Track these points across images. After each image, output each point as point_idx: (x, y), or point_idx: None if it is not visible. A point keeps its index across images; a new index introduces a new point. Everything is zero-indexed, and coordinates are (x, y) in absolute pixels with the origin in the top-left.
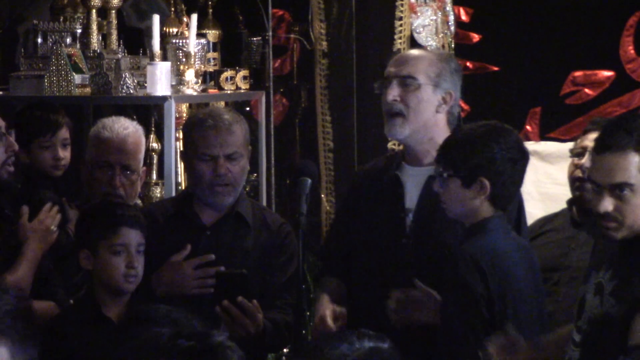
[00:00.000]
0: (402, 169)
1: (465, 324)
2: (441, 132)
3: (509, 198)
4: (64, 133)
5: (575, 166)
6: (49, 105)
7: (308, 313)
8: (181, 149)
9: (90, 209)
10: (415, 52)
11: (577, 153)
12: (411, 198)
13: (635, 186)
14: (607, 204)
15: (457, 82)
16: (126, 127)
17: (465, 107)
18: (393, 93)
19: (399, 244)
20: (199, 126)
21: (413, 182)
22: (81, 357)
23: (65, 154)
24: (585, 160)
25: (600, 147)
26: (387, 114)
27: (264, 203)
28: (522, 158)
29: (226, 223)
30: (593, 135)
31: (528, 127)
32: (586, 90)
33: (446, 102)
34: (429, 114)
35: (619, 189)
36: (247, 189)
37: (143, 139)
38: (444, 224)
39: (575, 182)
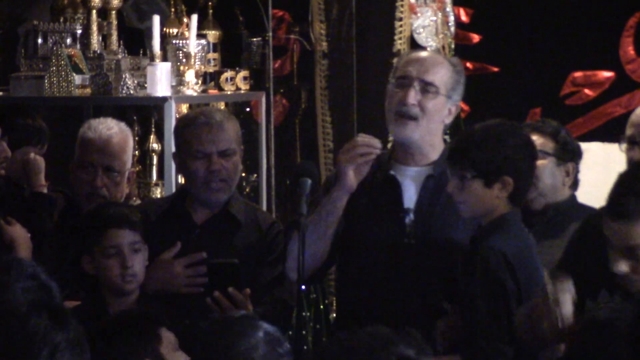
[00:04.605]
0: (395, 169)
1: (495, 320)
2: (437, 139)
3: (524, 194)
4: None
5: None
6: (34, 114)
7: (308, 314)
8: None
9: (82, 215)
10: (435, 57)
11: None
12: (409, 197)
13: None
14: (622, 266)
15: (462, 95)
16: (110, 128)
17: (465, 107)
18: (415, 96)
19: (401, 243)
20: (191, 124)
21: (409, 181)
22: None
23: None
24: None
25: (613, 214)
26: (399, 114)
27: (264, 203)
28: (535, 155)
29: (217, 222)
30: None
31: None
32: (586, 90)
33: (451, 113)
34: (437, 122)
35: (633, 253)
36: (247, 190)
37: (130, 140)
38: (444, 222)
39: None
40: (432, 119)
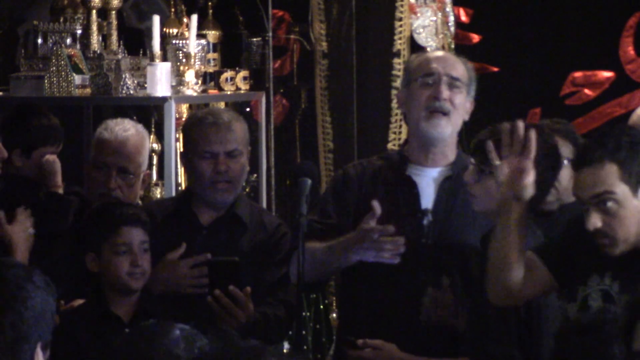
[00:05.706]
0: (411, 169)
1: (500, 322)
2: (455, 138)
3: (539, 201)
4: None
5: None
6: (47, 113)
7: (308, 314)
8: (180, 149)
9: (90, 212)
10: (451, 54)
11: None
12: (426, 198)
13: (618, 195)
14: (595, 220)
15: (475, 92)
16: (127, 130)
17: None
18: (447, 92)
19: (418, 244)
20: (199, 124)
21: (426, 182)
22: (91, 355)
23: None
24: None
25: (577, 163)
26: (432, 110)
27: (264, 204)
28: (558, 164)
29: (223, 223)
30: None
31: None
32: (586, 90)
33: (469, 110)
34: (462, 118)
35: (602, 202)
36: (247, 190)
37: (146, 142)
38: (462, 223)
39: None
40: (460, 113)
